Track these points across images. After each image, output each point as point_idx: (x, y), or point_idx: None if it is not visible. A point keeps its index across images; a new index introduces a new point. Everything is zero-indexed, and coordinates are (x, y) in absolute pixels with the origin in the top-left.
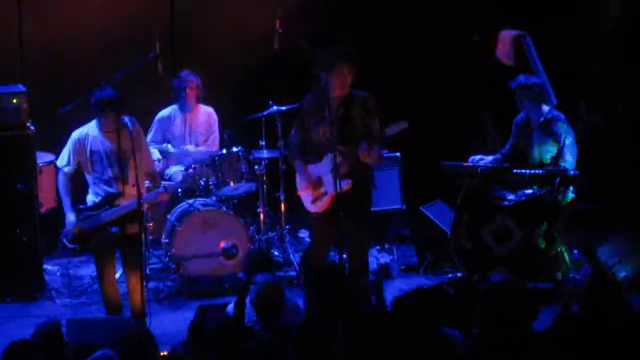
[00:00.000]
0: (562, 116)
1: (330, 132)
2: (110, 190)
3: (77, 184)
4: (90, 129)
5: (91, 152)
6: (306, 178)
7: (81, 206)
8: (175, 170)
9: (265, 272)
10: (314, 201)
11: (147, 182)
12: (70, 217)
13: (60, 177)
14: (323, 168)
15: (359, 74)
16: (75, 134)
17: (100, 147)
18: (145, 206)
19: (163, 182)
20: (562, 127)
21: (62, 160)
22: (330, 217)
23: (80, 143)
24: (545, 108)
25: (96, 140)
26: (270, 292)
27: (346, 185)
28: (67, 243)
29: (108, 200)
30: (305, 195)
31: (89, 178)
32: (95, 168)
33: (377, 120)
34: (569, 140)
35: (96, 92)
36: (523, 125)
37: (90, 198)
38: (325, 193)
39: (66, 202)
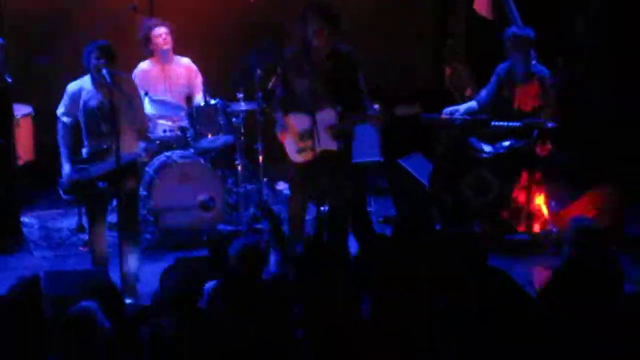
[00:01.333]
0: (546, 71)
1: (317, 85)
2: (101, 144)
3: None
4: (83, 83)
5: (84, 105)
6: (296, 127)
7: (74, 158)
8: (159, 124)
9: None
10: (300, 151)
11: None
12: (66, 167)
13: (59, 127)
14: (307, 121)
15: (339, 25)
16: (70, 87)
17: (93, 101)
18: (145, 159)
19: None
20: (547, 81)
21: (60, 109)
22: (311, 170)
23: (75, 96)
24: (532, 62)
25: (89, 94)
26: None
27: (333, 144)
28: (62, 194)
29: (98, 155)
30: (290, 143)
31: (83, 131)
32: (88, 122)
33: (362, 76)
34: (550, 95)
35: (88, 47)
36: (507, 76)
37: (84, 150)
38: (312, 147)
39: (63, 153)
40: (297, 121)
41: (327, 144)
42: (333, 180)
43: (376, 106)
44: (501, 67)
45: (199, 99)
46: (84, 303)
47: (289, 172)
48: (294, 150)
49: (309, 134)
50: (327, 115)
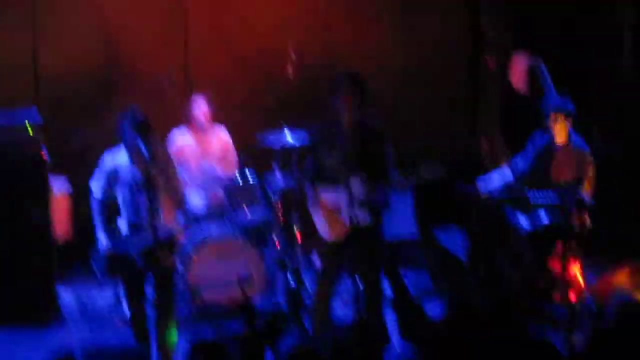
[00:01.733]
0: (587, 147)
1: (346, 159)
2: (139, 219)
3: None
4: (120, 157)
5: (120, 179)
6: (327, 202)
7: (112, 231)
8: (193, 195)
9: None
10: (330, 229)
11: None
12: (103, 240)
13: (94, 200)
14: (339, 197)
15: (367, 93)
16: (106, 162)
17: (129, 175)
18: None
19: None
20: (587, 157)
21: (94, 186)
22: (341, 247)
23: (111, 173)
24: (572, 136)
25: (125, 168)
26: None
27: (365, 217)
28: (97, 270)
29: (135, 229)
30: (321, 219)
31: (120, 206)
32: (125, 197)
33: (390, 149)
34: (589, 172)
35: (123, 117)
36: (546, 149)
37: (122, 225)
38: (344, 223)
39: (99, 225)
40: (328, 196)
41: (359, 217)
42: (365, 255)
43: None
44: (539, 137)
45: (233, 168)
46: None
47: (320, 253)
48: (325, 227)
49: (339, 209)
50: (356, 189)
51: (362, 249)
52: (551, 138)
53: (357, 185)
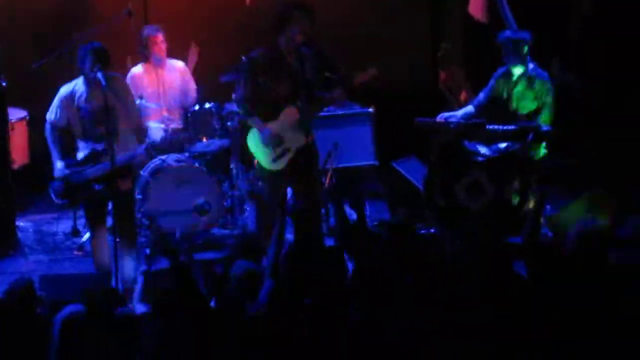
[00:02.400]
0: (546, 75)
1: (289, 86)
2: (96, 146)
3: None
4: (77, 85)
5: (78, 108)
6: (266, 136)
7: (69, 160)
8: (154, 127)
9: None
10: (276, 159)
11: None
12: (58, 164)
13: (48, 127)
14: (282, 124)
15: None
16: (63, 90)
17: (88, 103)
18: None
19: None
20: (546, 85)
21: (50, 114)
22: (286, 174)
23: (68, 99)
24: (530, 65)
25: (83, 96)
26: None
27: (309, 138)
28: (54, 198)
29: (93, 157)
30: (264, 153)
31: (77, 133)
32: (82, 125)
33: (334, 64)
34: (548, 99)
35: (82, 46)
36: (504, 79)
37: (80, 153)
38: (289, 149)
39: (54, 152)
40: (272, 125)
41: (298, 141)
42: (307, 177)
43: (336, 92)
44: (499, 72)
45: (192, 101)
46: (70, 307)
47: (262, 183)
48: (268, 159)
49: (280, 139)
50: (290, 114)
51: (305, 169)
52: (507, 69)
53: (289, 111)
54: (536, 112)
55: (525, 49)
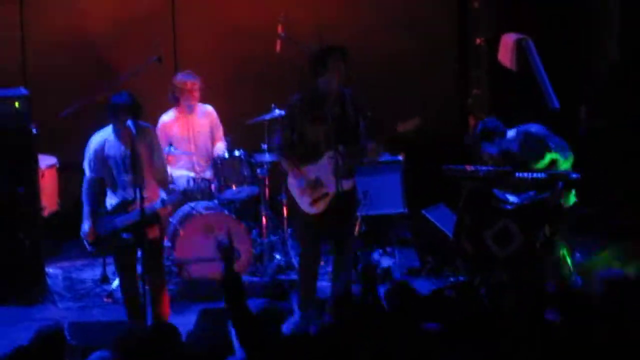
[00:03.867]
0: (533, 129)
1: (329, 130)
2: (125, 195)
3: None
4: (106, 134)
5: (107, 156)
6: (305, 179)
7: (100, 209)
8: (179, 175)
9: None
10: (313, 203)
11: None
12: (85, 226)
13: (85, 182)
14: (321, 168)
15: (350, 72)
16: (93, 140)
17: (116, 151)
18: (168, 209)
19: (162, 195)
20: (538, 142)
21: (87, 168)
22: (324, 219)
23: (98, 150)
24: (511, 133)
25: (112, 145)
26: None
27: (348, 184)
28: (87, 245)
29: (122, 206)
30: (303, 197)
31: (107, 182)
32: (111, 173)
33: (365, 116)
34: (551, 149)
35: (113, 97)
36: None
37: (109, 201)
38: (327, 194)
39: (85, 209)
40: (310, 169)
41: (342, 185)
42: (343, 223)
43: (370, 145)
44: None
45: (221, 147)
46: (97, 353)
47: (299, 227)
48: (307, 203)
49: (320, 182)
50: (332, 158)
51: (342, 216)
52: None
53: (331, 155)
54: (552, 164)
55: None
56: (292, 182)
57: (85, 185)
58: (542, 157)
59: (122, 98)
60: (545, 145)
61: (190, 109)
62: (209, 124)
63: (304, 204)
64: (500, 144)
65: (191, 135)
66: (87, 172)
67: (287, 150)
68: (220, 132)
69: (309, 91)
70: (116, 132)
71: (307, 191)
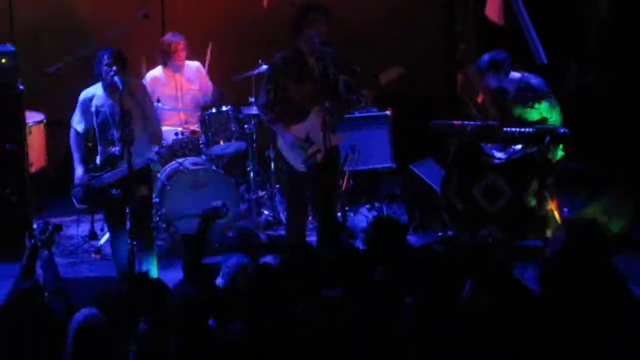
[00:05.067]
0: (534, 81)
1: (315, 87)
2: (113, 151)
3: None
4: (95, 90)
5: (96, 111)
6: (296, 138)
7: (88, 165)
8: (167, 130)
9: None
10: (306, 160)
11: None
12: (79, 170)
13: (72, 133)
14: (309, 125)
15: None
16: (82, 95)
17: (105, 107)
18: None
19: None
20: (535, 94)
21: (74, 121)
22: (313, 174)
23: (87, 103)
24: (516, 75)
25: (101, 100)
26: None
27: (338, 137)
28: (75, 202)
29: (110, 161)
30: (295, 154)
31: (96, 138)
32: (100, 129)
33: (354, 71)
34: (545, 104)
35: (99, 51)
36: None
37: (98, 157)
38: (320, 150)
39: (76, 157)
40: (296, 131)
41: (330, 140)
42: (329, 178)
43: (363, 91)
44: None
45: (210, 98)
46: (85, 310)
47: (288, 185)
48: (299, 161)
49: (310, 140)
50: (318, 115)
51: (330, 170)
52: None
53: (318, 111)
54: (542, 119)
55: (507, 65)
56: (282, 141)
57: (73, 138)
58: (532, 107)
59: (108, 53)
60: (539, 99)
61: (178, 68)
62: (197, 81)
63: (296, 161)
64: (500, 80)
65: (179, 94)
66: (75, 126)
67: (272, 109)
68: (208, 84)
69: (290, 50)
70: (105, 87)
71: (298, 149)
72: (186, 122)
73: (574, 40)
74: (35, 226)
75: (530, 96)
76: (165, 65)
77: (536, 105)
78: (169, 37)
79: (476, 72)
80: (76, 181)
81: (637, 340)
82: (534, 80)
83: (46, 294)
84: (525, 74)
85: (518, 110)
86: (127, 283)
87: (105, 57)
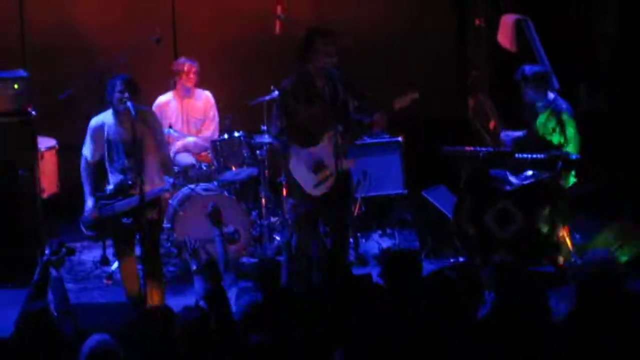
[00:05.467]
0: (565, 105)
1: (326, 110)
2: (124, 179)
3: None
4: (106, 117)
5: (107, 140)
6: (308, 161)
7: (99, 193)
8: (183, 155)
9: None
10: (317, 184)
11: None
12: (89, 202)
13: (82, 163)
14: (322, 150)
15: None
16: (93, 122)
17: (116, 135)
18: (168, 195)
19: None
20: (564, 117)
21: (85, 150)
22: (326, 200)
23: (97, 131)
24: (551, 95)
25: (112, 128)
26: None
27: (349, 162)
28: (84, 230)
29: (122, 190)
30: (307, 179)
31: (107, 166)
32: (111, 157)
33: (364, 96)
34: (570, 131)
35: (110, 79)
36: (529, 112)
37: (108, 187)
38: (332, 174)
39: (86, 188)
40: (309, 155)
41: (342, 165)
42: (342, 204)
43: (376, 115)
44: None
45: (207, 133)
46: (97, 336)
47: (299, 208)
48: (310, 185)
49: (322, 164)
50: (332, 138)
51: (342, 196)
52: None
53: (331, 135)
54: (561, 144)
55: (544, 82)
56: (294, 164)
57: (83, 167)
58: (554, 131)
59: (120, 80)
60: (564, 125)
61: (188, 92)
62: (203, 108)
63: (308, 186)
64: (538, 95)
65: (186, 118)
66: (85, 154)
67: (285, 135)
68: (213, 117)
69: (299, 74)
70: (115, 115)
71: (311, 172)
72: (195, 147)
73: (584, 62)
74: (47, 246)
75: (556, 120)
76: (175, 88)
77: (558, 130)
78: (183, 60)
79: (488, 98)
80: (86, 213)
81: None
82: (565, 105)
83: (56, 315)
84: (559, 98)
85: (541, 131)
86: (136, 310)
87: (118, 84)
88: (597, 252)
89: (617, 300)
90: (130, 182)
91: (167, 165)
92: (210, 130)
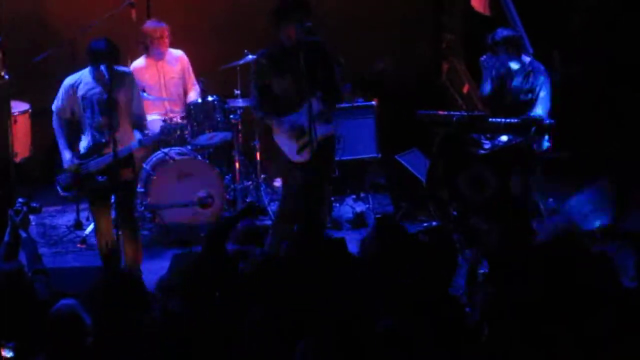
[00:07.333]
0: (542, 67)
1: (301, 79)
2: (99, 137)
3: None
4: (83, 76)
5: (82, 97)
6: (288, 129)
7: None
8: (153, 119)
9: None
10: (300, 150)
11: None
12: (66, 155)
13: (54, 118)
14: (301, 117)
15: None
16: (68, 80)
17: (91, 94)
18: (142, 152)
19: (137, 136)
20: (540, 80)
21: (55, 103)
22: (307, 166)
23: (72, 89)
24: (526, 59)
25: (88, 87)
26: None
27: (326, 130)
28: (60, 191)
29: (96, 149)
30: (289, 147)
31: (81, 123)
32: (85, 114)
33: (336, 65)
34: (543, 93)
35: (92, 43)
36: (504, 73)
37: (82, 144)
38: (311, 140)
39: (61, 142)
40: (289, 122)
41: (322, 130)
42: (324, 168)
43: (348, 85)
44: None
45: (193, 95)
46: (64, 300)
47: (287, 174)
48: (294, 151)
49: (302, 130)
50: (313, 105)
51: (323, 161)
52: (505, 64)
53: (315, 104)
54: (530, 106)
55: (519, 45)
56: (277, 134)
57: (56, 124)
58: (532, 92)
59: (101, 44)
60: (540, 86)
61: (161, 56)
62: (180, 69)
63: (291, 152)
64: (511, 59)
65: (162, 81)
66: (53, 108)
67: (264, 106)
68: (192, 77)
69: (272, 45)
70: (93, 74)
71: (290, 140)
72: (171, 111)
73: (558, 29)
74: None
75: (533, 81)
76: (147, 53)
77: (534, 91)
78: (152, 24)
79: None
80: (65, 165)
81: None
82: (542, 67)
83: (29, 274)
84: (535, 61)
85: (515, 93)
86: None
87: (99, 49)
88: (560, 218)
89: (577, 261)
90: (104, 141)
91: (141, 125)
92: (197, 92)
